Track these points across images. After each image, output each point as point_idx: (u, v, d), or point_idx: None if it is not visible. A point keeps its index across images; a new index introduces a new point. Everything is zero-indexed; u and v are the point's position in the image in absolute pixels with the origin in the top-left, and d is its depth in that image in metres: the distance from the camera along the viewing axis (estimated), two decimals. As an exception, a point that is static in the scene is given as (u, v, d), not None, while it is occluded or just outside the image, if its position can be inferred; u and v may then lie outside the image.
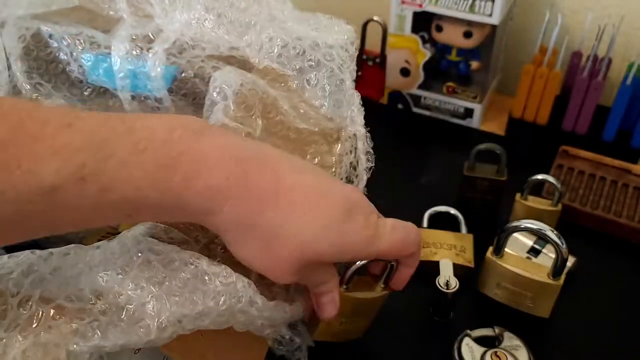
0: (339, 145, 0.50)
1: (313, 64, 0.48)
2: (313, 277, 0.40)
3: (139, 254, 0.37)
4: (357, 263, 0.43)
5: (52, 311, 0.34)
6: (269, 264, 0.37)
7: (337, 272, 0.42)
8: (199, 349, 0.41)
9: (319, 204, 0.36)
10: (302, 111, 0.49)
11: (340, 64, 0.49)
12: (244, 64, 0.49)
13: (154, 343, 0.36)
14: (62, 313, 0.35)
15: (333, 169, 0.49)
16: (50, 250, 0.36)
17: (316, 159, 0.48)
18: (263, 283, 0.40)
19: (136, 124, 0.33)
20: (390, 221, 0.41)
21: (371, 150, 0.50)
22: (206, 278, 0.37)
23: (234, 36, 0.47)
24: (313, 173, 0.38)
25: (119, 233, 0.39)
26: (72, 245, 0.37)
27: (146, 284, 0.36)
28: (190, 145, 0.33)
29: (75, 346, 0.34)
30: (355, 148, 0.50)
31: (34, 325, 0.34)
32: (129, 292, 0.35)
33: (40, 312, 0.34)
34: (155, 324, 0.35)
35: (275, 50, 0.47)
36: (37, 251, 0.36)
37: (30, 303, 0.34)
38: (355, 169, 0.50)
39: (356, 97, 0.49)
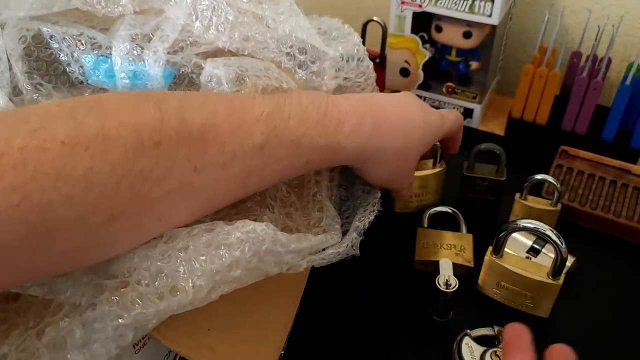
0: None
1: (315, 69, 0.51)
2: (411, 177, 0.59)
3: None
4: None
5: (91, 290, 0.35)
6: (399, 173, 0.55)
7: None
8: (208, 344, 0.41)
9: (412, 117, 0.52)
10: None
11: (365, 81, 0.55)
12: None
13: (194, 305, 0.37)
14: (101, 291, 0.35)
15: None
16: None
17: None
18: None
19: (292, 97, 0.44)
20: (441, 111, 0.59)
21: None
22: (226, 234, 0.39)
23: (238, 34, 0.47)
24: (398, 106, 0.52)
25: None
26: None
27: (172, 252, 0.37)
28: (331, 104, 0.45)
29: (120, 320, 0.34)
30: None
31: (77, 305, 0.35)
32: (158, 263, 0.37)
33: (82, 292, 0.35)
34: (191, 284, 0.36)
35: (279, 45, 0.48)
36: None
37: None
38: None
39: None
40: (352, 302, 0.61)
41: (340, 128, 0.45)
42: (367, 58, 0.56)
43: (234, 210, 0.45)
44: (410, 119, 0.52)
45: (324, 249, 0.47)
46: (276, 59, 0.49)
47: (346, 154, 0.47)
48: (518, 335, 0.44)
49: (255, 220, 0.41)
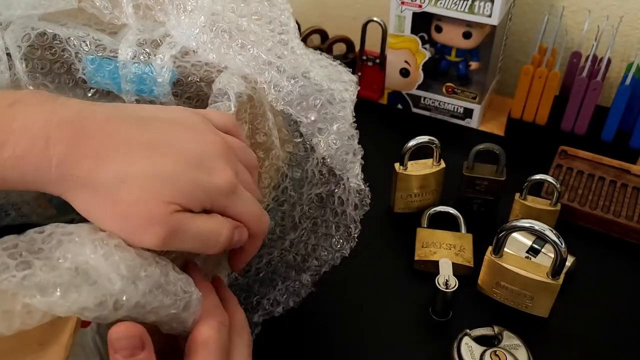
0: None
1: (328, 117, 0.49)
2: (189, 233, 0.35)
3: None
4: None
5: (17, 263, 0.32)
6: (119, 221, 0.34)
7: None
8: None
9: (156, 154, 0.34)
10: (279, 124, 0.49)
11: (352, 122, 0.50)
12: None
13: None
14: (28, 266, 0.32)
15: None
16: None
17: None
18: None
19: None
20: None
21: (367, 201, 0.51)
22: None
23: (251, 69, 0.47)
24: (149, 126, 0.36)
25: None
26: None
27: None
28: (4, 116, 0.33)
29: (32, 299, 0.31)
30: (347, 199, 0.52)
31: None
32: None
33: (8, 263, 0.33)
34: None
35: (295, 96, 0.47)
36: None
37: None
38: (336, 214, 0.53)
39: (359, 152, 0.50)
40: (351, 302, 0.61)
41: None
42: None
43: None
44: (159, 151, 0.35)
45: None
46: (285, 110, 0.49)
47: (12, 183, 0.34)
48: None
49: None
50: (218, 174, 0.36)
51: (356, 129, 0.49)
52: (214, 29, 0.46)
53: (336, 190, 0.52)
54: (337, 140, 0.48)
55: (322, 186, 0.52)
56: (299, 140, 0.51)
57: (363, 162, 0.50)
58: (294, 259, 0.54)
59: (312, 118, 0.48)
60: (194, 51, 0.46)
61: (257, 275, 0.54)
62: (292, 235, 0.53)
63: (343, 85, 0.51)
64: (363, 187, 0.50)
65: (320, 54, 0.53)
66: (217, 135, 0.38)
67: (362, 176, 0.50)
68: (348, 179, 0.50)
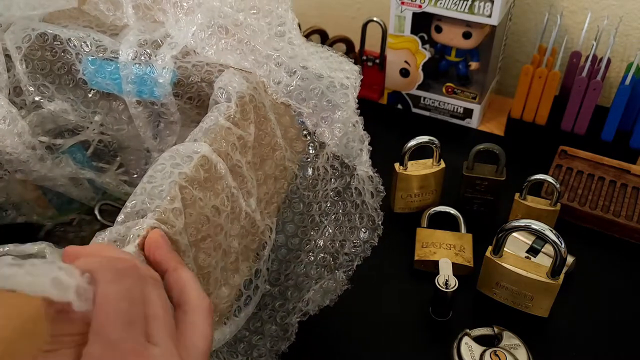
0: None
1: (330, 105, 0.49)
2: None
3: None
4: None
5: None
6: None
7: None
8: None
9: None
10: (285, 124, 0.49)
11: (355, 108, 0.49)
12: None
13: None
14: None
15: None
16: None
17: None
18: None
19: None
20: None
21: (381, 187, 0.51)
22: None
23: (250, 64, 0.47)
24: None
25: None
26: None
27: None
28: None
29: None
30: (362, 188, 0.51)
31: None
32: None
33: None
34: None
35: (294, 87, 0.47)
36: None
37: None
38: (357, 206, 0.52)
39: (365, 138, 0.50)
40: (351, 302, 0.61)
41: None
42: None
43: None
44: None
45: None
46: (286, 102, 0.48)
47: None
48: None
49: None
50: None
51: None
52: (212, 24, 0.46)
53: (352, 182, 0.51)
54: (342, 128, 0.48)
55: (336, 181, 0.52)
56: (308, 139, 0.51)
57: (371, 148, 0.50)
58: (323, 260, 0.53)
59: (313, 106, 0.48)
60: (194, 51, 0.46)
61: (287, 282, 0.53)
62: (315, 235, 0.53)
63: (344, 74, 0.50)
64: (372, 174, 0.49)
65: (322, 47, 0.53)
66: None
67: (370, 163, 0.50)
68: (357, 167, 0.50)
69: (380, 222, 0.51)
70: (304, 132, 0.50)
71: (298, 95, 0.47)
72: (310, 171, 0.51)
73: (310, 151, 0.51)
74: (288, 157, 0.49)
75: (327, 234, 0.52)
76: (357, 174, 0.50)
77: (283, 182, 0.49)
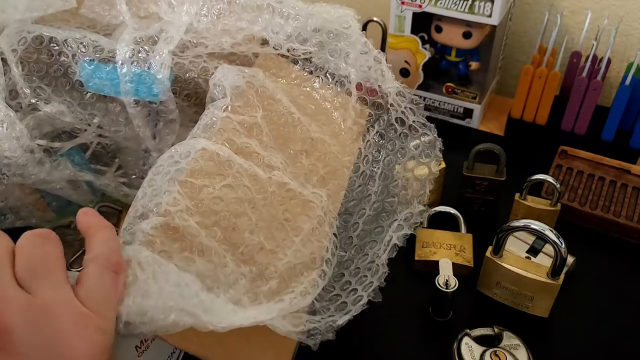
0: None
1: (332, 35, 0.48)
2: None
3: None
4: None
5: None
6: None
7: None
8: (216, 337, 0.39)
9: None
10: (301, 103, 0.49)
11: (360, 27, 0.49)
12: (245, 61, 0.49)
13: None
14: None
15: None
16: None
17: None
18: None
19: None
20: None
21: (417, 99, 0.50)
22: None
23: (246, 22, 0.47)
24: None
25: None
26: None
27: None
28: None
29: None
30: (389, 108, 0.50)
31: None
32: None
33: None
34: None
35: (291, 29, 0.47)
36: None
37: None
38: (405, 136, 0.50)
39: (381, 57, 0.49)
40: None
41: None
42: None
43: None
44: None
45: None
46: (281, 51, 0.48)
47: None
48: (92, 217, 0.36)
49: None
50: None
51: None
52: None
53: (390, 117, 0.51)
54: (352, 54, 0.47)
55: (375, 123, 0.52)
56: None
57: (391, 66, 0.49)
58: (380, 207, 0.52)
59: (317, 44, 0.47)
60: (190, 42, 0.46)
61: (361, 241, 0.52)
62: (371, 189, 0.52)
63: (340, 12, 0.50)
64: (401, 88, 0.49)
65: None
66: None
67: (395, 78, 0.49)
68: (383, 87, 0.49)
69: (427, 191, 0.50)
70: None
71: (299, 37, 0.47)
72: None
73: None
74: (313, 129, 0.49)
75: (377, 186, 0.51)
76: (390, 104, 0.50)
77: (317, 155, 0.49)
